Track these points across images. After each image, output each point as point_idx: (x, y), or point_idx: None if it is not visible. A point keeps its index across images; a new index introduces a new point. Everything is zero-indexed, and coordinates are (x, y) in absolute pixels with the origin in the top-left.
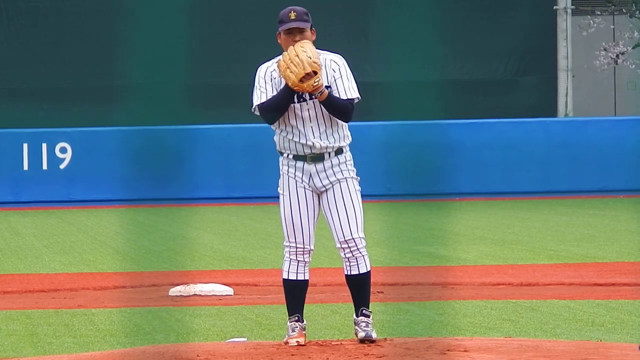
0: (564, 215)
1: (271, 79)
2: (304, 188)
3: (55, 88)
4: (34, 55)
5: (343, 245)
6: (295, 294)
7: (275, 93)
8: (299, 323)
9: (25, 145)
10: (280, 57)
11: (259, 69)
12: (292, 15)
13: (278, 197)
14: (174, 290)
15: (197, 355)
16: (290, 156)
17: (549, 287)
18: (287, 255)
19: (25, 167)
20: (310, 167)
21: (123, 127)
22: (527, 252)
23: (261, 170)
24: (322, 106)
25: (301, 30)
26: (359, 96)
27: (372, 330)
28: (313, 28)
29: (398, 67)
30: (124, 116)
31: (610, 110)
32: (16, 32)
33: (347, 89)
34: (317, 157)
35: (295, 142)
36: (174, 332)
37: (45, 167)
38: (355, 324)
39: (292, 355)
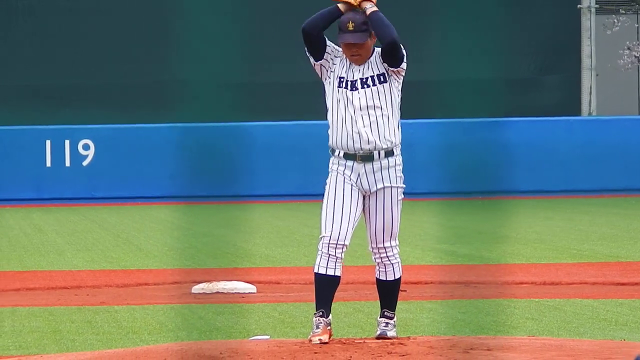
0: (587, 214)
1: (332, 50)
2: (351, 185)
3: (79, 85)
4: (57, 53)
5: (374, 250)
6: (323, 289)
7: (329, 61)
8: (323, 319)
9: (48, 142)
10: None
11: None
12: (350, 26)
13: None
14: (197, 288)
15: (220, 353)
16: (341, 154)
17: (572, 286)
18: (320, 247)
19: (48, 164)
20: (359, 167)
21: (146, 125)
22: (550, 251)
23: (284, 169)
24: (373, 98)
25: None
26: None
27: (391, 329)
28: (373, 32)
29: (424, 65)
30: (147, 114)
31: (634, 109)
32: (40, 30)
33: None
34: (367, 157)
35: (346, 134)
36: (196, 329)
37: (68, 164)
38: (377, 323)
39: (315, 353)
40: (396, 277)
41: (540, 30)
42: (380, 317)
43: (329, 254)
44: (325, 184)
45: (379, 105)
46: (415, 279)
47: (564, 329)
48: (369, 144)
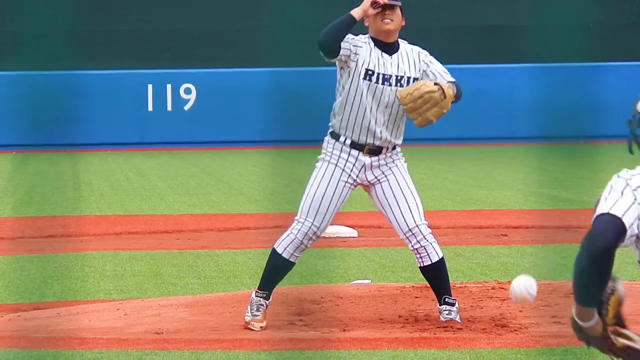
0: None
1: (352, 39)
2: (345, 182)
3: (180, 30)
4: None
5: (407, 235)
6: (277, 272)
7: (351, 52)
8: (266, 301)
9: (149, 87)
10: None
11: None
12: None
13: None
14: None
15: (321, 297)
16: (348, 142)
17: None
18: (296, 233)
19: (150, 108)
20: (365, 159)
21: (247, 69)
22: None
23: None
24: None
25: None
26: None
27: (455, 316)
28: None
29: (523, 10)
30: (248, 58)
31: None
32: None
33: (444, 72)
34: (375, 151)
35: (360, 123)
36: (298, 273)
37: (169, 108)
38: (439, 311)
39: (416, 297)
40: (440, 257)
41: None
42: (441, 305)
43: (301, 241)
44: (315, 168)
45: (400, 107)
46: (516, 224)
47: None
48: (381, 140)
